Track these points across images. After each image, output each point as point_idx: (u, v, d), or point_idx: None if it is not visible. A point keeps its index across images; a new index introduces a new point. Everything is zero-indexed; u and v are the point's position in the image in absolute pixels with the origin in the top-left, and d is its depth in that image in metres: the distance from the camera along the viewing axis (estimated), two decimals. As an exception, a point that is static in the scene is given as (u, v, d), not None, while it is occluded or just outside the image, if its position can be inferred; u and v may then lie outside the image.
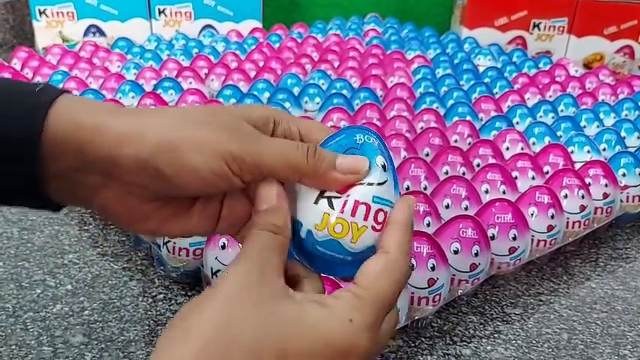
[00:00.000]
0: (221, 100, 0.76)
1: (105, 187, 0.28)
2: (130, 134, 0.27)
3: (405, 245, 0.29)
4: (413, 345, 0.45)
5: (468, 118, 0.73)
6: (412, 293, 0.45)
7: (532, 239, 0.53)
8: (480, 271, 0.49)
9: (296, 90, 0.82)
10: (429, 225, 0.51)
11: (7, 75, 0.83)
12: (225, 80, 0.86)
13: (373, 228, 0.29)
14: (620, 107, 0.82)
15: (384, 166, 0.29)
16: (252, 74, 0.89)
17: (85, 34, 1.13)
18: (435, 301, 0.46)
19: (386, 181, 0.29)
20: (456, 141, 0.68)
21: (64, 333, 0.44)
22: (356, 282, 0.28)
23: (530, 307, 0.50)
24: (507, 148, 0.66)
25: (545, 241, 0.54)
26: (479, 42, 1.15)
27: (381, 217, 0.29)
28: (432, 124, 0.71)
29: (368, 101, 0.76)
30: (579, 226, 0.57)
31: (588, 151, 0.66)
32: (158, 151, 0.27)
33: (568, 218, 0.56)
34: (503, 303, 0.51)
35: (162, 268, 0.50)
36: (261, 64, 0.94)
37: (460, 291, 0.48)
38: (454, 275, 0.48)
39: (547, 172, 0.61)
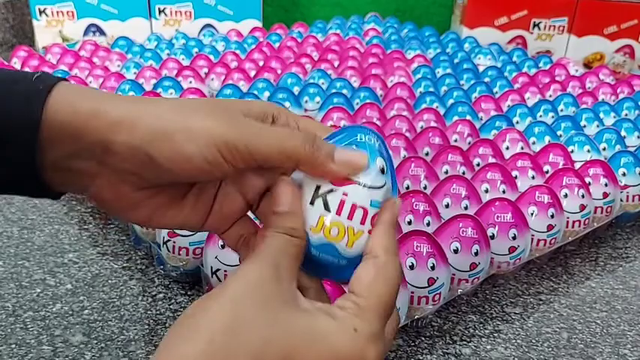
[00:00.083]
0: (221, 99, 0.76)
1: (98, 175, 0.28)
2: (125, 120, 0.27)
3: (391, 246, 0.28)
4: (413, 344, 0.45)
5: (468, 117, 0.73)
6: (412, 292, 0.45)
7: (532, 239, 0.53)
8: (480, 270, 0.49)
9: (296, 89, 0.82)
10: (428, 224, 0.51)
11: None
12: (225, 79, 0.86)
13: (369, 232, 0.29)
14: (620, 107, 0.82)
15: (382, 169, 0.29)
16: (252, 74, 0.89)
17: (85, 33, 1.13)
18: (434, 300, 0.46)
19: (384, 184, 0.29)
20: (455, 140, 0.68)
21: (63, 332, 0.44)
22: (353, 290, 0.27)
23: (530, 306, 0.50)
24: (507, 148, 0.66)
25: (545, 240, 0.54)
26: (479, 41, 1.15)
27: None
28: (432, 124, 0.71)
29: (368, 101, 0.76)
30: (579, 226, 0.57)
31: (588, 151, 0.66)
32: (151, 138, 0.27)
33: (568, 218, 0.56)
34: (503, 302, 0.51)
35: (162, 267, 0.50)
36: (261, 63, 0.94)
37: (460, 290, 0.48)
38: (454, 274, 0.48)
39: (547, 172, 0.61)
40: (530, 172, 0.60)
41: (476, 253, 0.48)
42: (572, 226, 0.57)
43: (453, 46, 1.12)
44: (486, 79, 0.92)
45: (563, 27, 1.19)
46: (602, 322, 0.49)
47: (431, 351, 0.44)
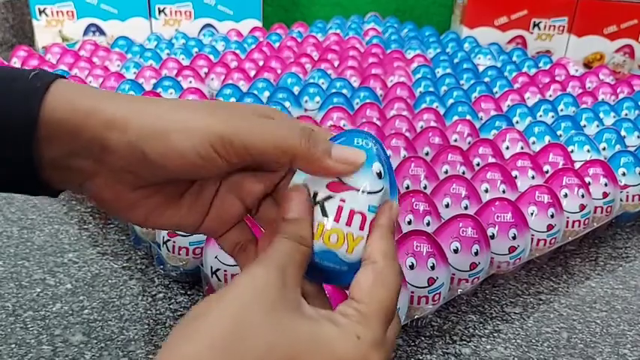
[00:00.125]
0: (221, 99, 0.76)
1: (96, 173, 0.28)
2: (120, 118, 0.27)
3: (390, 251, 0.28)
4: (413, 344, 0.45)
5: (468, 117, 0.73)
6: (412, 292, 0.45)
7: (532, 238, 0.53)
8: (480, 270, 0.49)
9: (296, 89, 0.82)
10: (428, 224, 0.51)
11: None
12: (225, 79, 0.86)
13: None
14: (620, 106, 0.82)
15: (379, 174, 0.29)
16: (252, 73, 0.89)
17: (85, 33, 1.13)
18: (434, 300, 0.46)
19: (382, 189, 0.29)
20: (455, 140, 0.68)
21: (63, 332, 0.44)
22: (354, 297, 0.27)
23: (529, 306, 0.50)
24: (507, 148, 0.66)
25: (545, 240, 0.54)
26: (479, 41, 1.15)
27: None
28: (432, 124, 0.71)
29: (368, 100, 0.76)
30: (579, 226, 0.57)
31: (588, 151, 0.66)
32: (146, 135, 0.27)
33: (568, 217, 0.56)
34: (503, 302, 0.51)
35: (161, 267, 0.50)
36: (261, 63, 0.94)
37: (460, 290, 0.48)
38: (454, 274, 0.48)
39: (547, 172, 0.61)
40: (530, 172, 0.60)
41: (476, 253, 0.48)
42: (572, 226, 0.57)
43: (453, 46, 1.12)
44: (486, 79, 0.92)
45: (563, 27, 1.19)
46: (602, 321, 0.49)
47: (431, 351, 0.44)
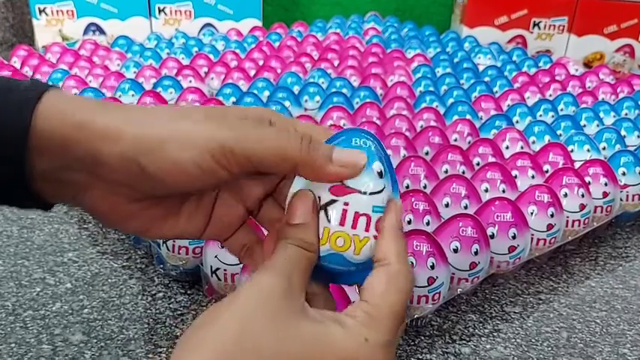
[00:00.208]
0: (221, 98, 0.76)
1: (91, 186, 0.27)
2: (111, 129, 0.26)
3: (403, 253, 0.28)
4: (412, 343, 0.45)
5: (468, 116, 0.73)
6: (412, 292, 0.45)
7: (532, 238, 0.53)
8: (480, 269, 0.49)
9: (296, 89, 0.82)
10: (428, 223, 0.51)
11: (6, 73, 0.83)
12: (225, 79, 0.86)
13: (375, 237, 0.28)
14: (620, 106, 0.82)
15: (380, 173, 0.29)
16: (252, 73, 0.89)
17: (85, 32, 1.13)
18: (434, 299, 0.46)
19: (383, 188, 0.29)
20: (455, 140, 0.68)
21: (63, 331, 0.44)
22: (366, 299, 0.27)
23: (529, 305, 0.50)
24: (507, 147, 0.66)
25: (545, 239, 0.54)
26: (479, 41, 1.15)
27: None
28: (432, 123, 0.71)
29: (368, 100, 0.76)
30: (579, 225, 0.57)
31: (588, 150, 0.66)
32: (140, 147, 0.26)
33: (568, 217, 0.56)
34: (503, 302, 0.51)
35: (161, 266, 0.50)
36: (261, 62, 0.94)
37: (460, 289, 0.48)
38: (454, 274, 0.48)
39: (547, 171, 0.61)
40: (530, 172, 0.60)
41: (475, 253, 0.48)
42: (572, 226, 0.57)
43: (453, 46, 1.12)
44: (486, 79, 0.92)
45: (563, 26, 1.19)
46: (602, 321, 0.49)
47: (430, 350, 0.44)
